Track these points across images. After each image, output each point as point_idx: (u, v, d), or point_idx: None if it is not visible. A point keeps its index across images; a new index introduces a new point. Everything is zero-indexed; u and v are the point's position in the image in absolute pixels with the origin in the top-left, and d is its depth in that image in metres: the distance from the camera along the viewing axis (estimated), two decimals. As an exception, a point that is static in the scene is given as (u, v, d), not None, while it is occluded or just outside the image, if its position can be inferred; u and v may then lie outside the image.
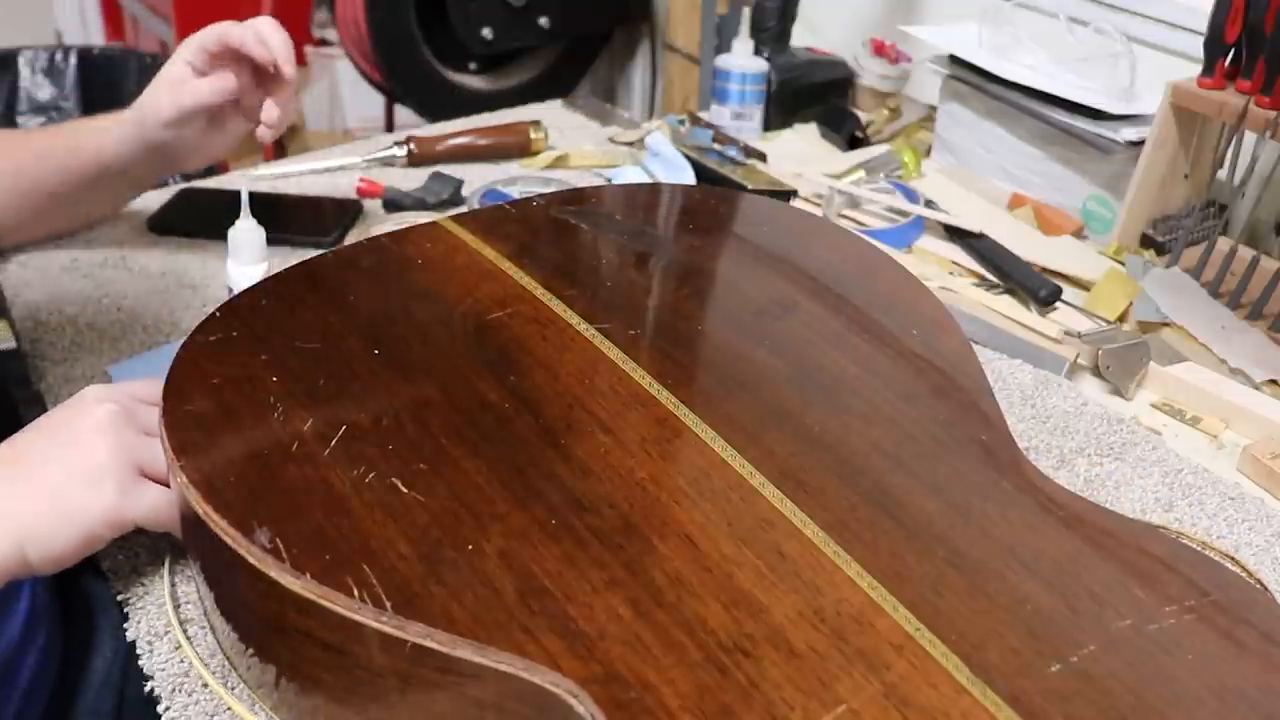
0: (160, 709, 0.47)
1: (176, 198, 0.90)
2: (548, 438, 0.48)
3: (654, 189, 0.83)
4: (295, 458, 0.46)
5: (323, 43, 2.26)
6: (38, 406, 0.66)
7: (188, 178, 1.02)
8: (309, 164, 1.00)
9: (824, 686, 0.37)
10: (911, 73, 1.19)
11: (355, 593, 0.40)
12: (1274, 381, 0.74)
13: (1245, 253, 0.82)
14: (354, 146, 1.07)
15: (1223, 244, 0.84)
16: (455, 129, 1.06)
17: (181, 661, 0.49)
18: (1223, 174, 0.88)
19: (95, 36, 2.62)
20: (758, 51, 1.14)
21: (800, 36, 1.20)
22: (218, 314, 0.55)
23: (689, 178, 0.96)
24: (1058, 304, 0.82)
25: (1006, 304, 0.82)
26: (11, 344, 0.69)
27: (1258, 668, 0.41)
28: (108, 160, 0.75)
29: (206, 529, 0.43)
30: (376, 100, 2.05)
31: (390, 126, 2.08)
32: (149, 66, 1.35)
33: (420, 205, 0.92)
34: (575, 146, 1.08)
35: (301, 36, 2.17)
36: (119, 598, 0.52)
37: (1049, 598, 0.42)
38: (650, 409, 0.50)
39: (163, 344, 0.72)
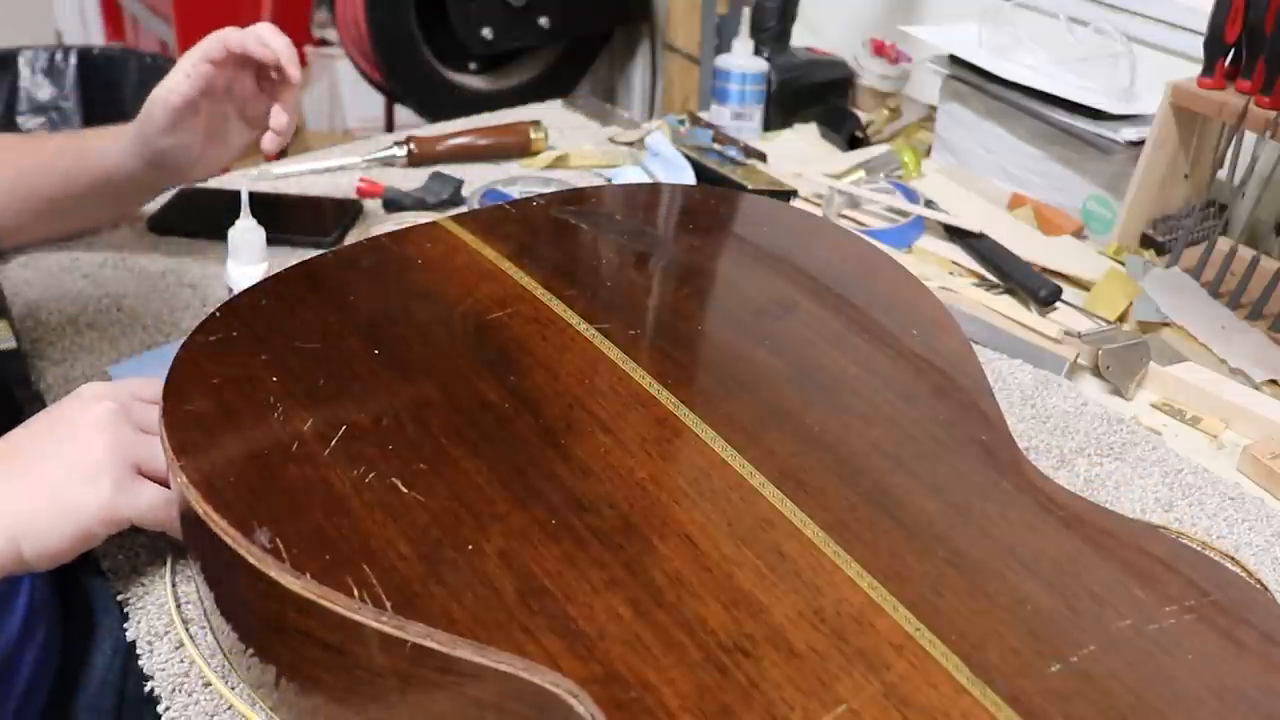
0: (160, 709, 0.47)
1: (176, 198, 0.90)
2: (548, 438, 0.48)
3: (654, 189, 0.83)
4: (295, 458, 0.46)
5: (323, 43, 2.26)
6: (39, 406, 0.66)
7: (188, 178, 1.02)
8: (309, 164, 1.00)
9: (824, 686, 0.37)
10: (911, 73, 1.19)
11: (355, 593, 0.40)
12: (1274, 381, 0.74)
13: (1245, 253, 0.82)
14: (354, 146, 1.07)
15: (1223, 244, 0.84)
16: (455, 129, 1.06)
17: (182, 661, 0.49)
18: (1223, 174, 0.88)
19: (95, 36, 2.62)
20: (758, 51, 1.13)
21: (800, 36, 1.20)
22: (218, 314, 0.55)
23: (689, 178, 0.96)
24: (1058, 304, 0.82)
25: (1006, 304, 0.82)
26: (11, 344, 0.69)
27: (1258, 668, 0.41)
28: (111, 170, 0.76)
29: (206, 529, 0.43)
30: (376, 100, 2.05)
31: (390, 126, 2.08)
32: (149, 66, 1.35)
33: (420, 205, 0.92)
34: (575, 146, 1.08)
35: (301, 36, 2.17)
36: (119, 598, 0.52)
37: (1049, 598, 0.42)
38: (650, 409, 0.50)
39: (163, 344, 0.72)
